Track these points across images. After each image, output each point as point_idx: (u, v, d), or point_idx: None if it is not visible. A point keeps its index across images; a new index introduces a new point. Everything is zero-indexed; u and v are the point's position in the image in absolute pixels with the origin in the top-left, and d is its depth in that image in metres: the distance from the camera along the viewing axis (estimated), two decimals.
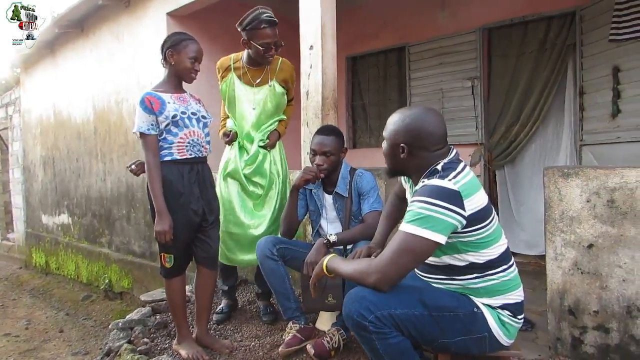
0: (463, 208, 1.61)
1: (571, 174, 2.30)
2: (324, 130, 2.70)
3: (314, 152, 2.68)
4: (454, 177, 1.65)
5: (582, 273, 2.28)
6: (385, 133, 1.85)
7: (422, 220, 1.60)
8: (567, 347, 2.34)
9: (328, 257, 1.86)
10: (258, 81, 3.00)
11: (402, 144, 1.76)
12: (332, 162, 2.64)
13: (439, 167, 1.72)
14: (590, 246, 2.25)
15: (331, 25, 3.35)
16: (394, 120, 1.81)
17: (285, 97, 3.11)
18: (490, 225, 1.71)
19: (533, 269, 4.29)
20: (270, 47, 2.85)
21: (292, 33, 3.50)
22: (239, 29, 2.88)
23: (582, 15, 4.34)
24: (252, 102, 3.01)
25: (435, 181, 1.65)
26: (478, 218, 1.66)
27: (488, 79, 5.16)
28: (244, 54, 3.02)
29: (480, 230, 1.68)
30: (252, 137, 3.04)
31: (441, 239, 1.60)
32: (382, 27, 6.06)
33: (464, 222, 1.63)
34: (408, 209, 1.68)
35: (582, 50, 4.36)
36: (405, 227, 1.63)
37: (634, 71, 3.90)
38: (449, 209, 1.60)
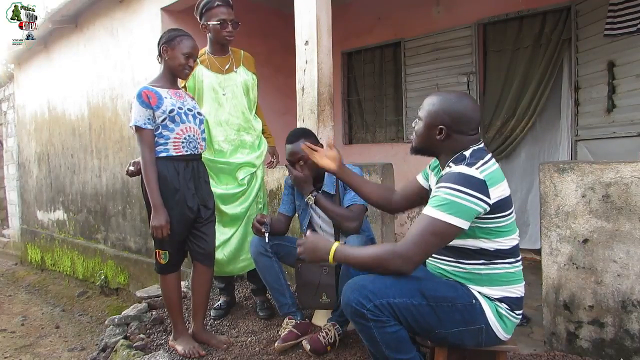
0: (488, 196, 1.64)
1: (566, 169, 2.31)
2: (289, 138, 2.64)
3: (290, 163, 2.64)
4: (481, 165, 1.67)
5: (577, 268, 2.29)
6: (421, 113, 1.84)
7: (447, 205, 1.62)
8: (562, 341, 2.36)
9: (335, 244, 1.79)
10: (227, 67, 3.07)
11: (440, 126, 1.77)
12: (311, 165, 2.55)
13: (467, 153, 1.75)
14: (586, 241, 2.26)
15: (326, 20, 3.34)
16: (433, 102, 1.81)
17: (255, 83, 3.17)
18: (509, 217, 1.72)
19: (529, 264, 4.30)
20: (227, 23, 2.92)
21: (287, 28, 3.49)
22: (197, 18, 3.00)
23: (578, 10, 4.34)
24: (223, 88, 3.05)
25: (462, 168, 1.67)
26: (500, 206, 1.68)
27: (483, 74, 5.17)
28: (207, 46, 3.09)
29: (500, 219, 1.69)
30: (234, 123, 3.06)
31: (464, 224, 1.63)
32: (376, 22, 6.05)
33: (488, 209, 1.65)
34: (433, 194, 1.70)
35: (578, 45, 4.37)
36: (430, 211, 1.65)
37: (629, 66, 3.91)
38: (475, 196, 1.62)
